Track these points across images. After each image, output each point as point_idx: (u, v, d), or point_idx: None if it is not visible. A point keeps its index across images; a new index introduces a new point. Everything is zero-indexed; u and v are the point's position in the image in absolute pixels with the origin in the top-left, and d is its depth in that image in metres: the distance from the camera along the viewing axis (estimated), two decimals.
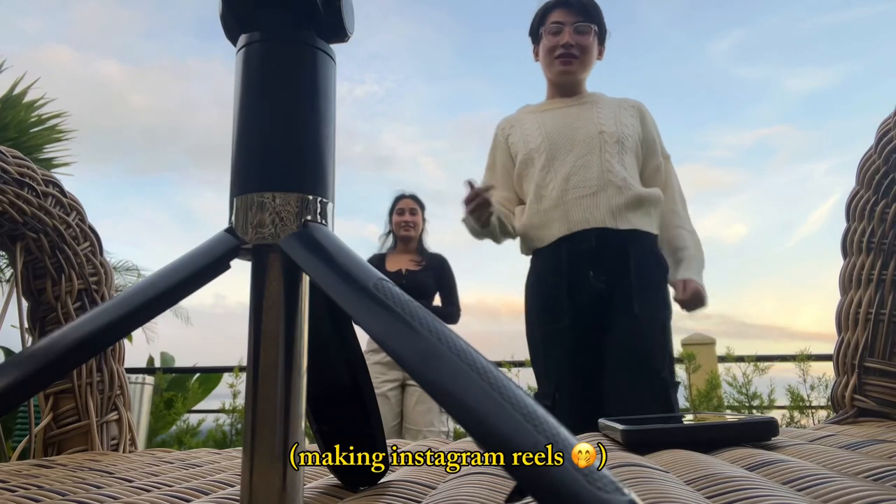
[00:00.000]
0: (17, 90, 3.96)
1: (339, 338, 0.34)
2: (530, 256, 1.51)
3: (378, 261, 2.67)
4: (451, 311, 2.62)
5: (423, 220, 2.77)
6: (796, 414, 3.86)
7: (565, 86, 1.54)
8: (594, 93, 1.56)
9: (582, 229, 1.38)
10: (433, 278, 2.61)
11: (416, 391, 2.47)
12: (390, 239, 2.76)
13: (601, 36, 1.54)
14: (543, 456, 0.17)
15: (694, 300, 1.41)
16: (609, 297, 1.37)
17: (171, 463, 0.53)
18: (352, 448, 0.36)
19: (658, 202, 1.45)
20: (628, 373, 1.32)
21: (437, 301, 2.65)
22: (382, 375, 2.45)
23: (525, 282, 1.51)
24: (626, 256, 1.37)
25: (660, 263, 1.43)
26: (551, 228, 1.41)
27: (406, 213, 2.71)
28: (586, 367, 1.38)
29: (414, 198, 2.79)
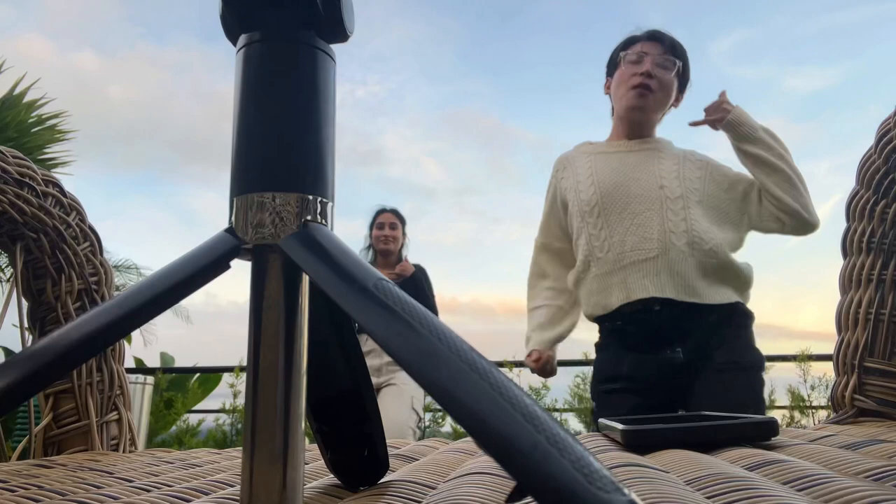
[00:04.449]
0: (18, 90, 3.96)
1: (339, 338, 0.34)
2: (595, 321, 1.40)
3: None
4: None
5: (404, 234, 2.79)
6: (796, 414, 3.86)
7: (633, 124, 1.39)
8: (661, 139, 1.41)
9: (642, 297, 1.24)
10: (410, 289, 2.62)
11: (388, 392, 2.47)
12: (370, 253, 2.77)
13: (683, 81, 1.39)
14: (543, 456, 0.17)
15: (716, 105, 1.29)
16: (684, 366, 1.23)
17: (171, 463, 0.53)
18: (351, 448, 0.36)
19: (738, 269, 1.28)
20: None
21: None
22: None
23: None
24: (704, 324, 1.23)
25: (745, 315, 1.29)
26: (610, 296, 1.29)
27: (386, 228, 2.73)
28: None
29: (394, 212, 2.80)
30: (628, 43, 1.42)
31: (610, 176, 1.34)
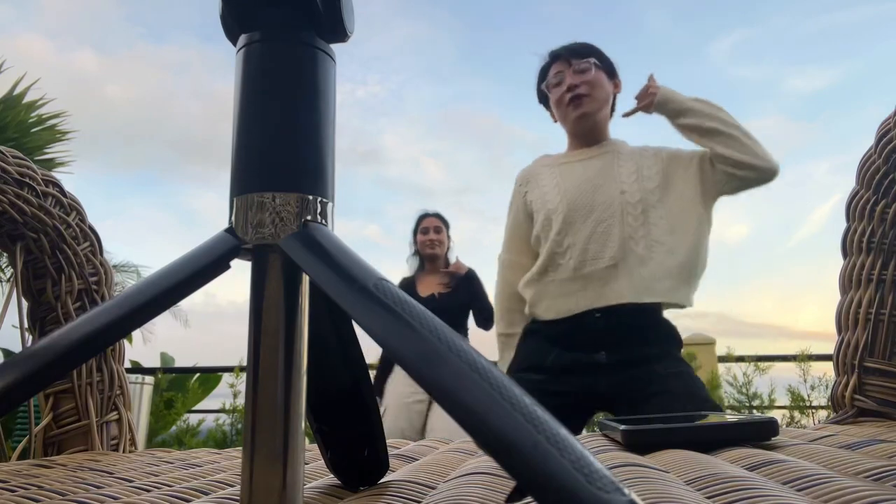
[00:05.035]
0: (17, 90, 3.97)
1: (339, 338, 0.34)
2: (530, 321, 1.41)
3: (408, 284, 2.65)
4: (483, 314, 2.59)
5: (448, 237, 2.75)
6: (796, 414, 3.87)
7: (586, 133, 1.44)
8: (615, 140, 1.45)
9: (597, 307, 1.27)
10: (467, 294, 2.59)
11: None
12: (417, 260, 2.74)
13: (608, 69, 1.43)
14: (543, 456, 0.17)
15: (643, 91, 1.37)
16: (611, 369, 1.26)
17: (171, 463, 0.53)
18: (351, 448, 0.36)
19: (692, 266, 1.31)
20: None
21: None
22: (411, 389, 2.39)
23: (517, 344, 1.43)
24: (637, 333, 1.27)
25: (674, 336, 1.33)
26: (564, 304, 1.31)
27: (430, 232, 2.70)
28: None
29: (438, 216, 2.78)
30: (543, 74, 1.49)
31: (575, 184, 1.38)
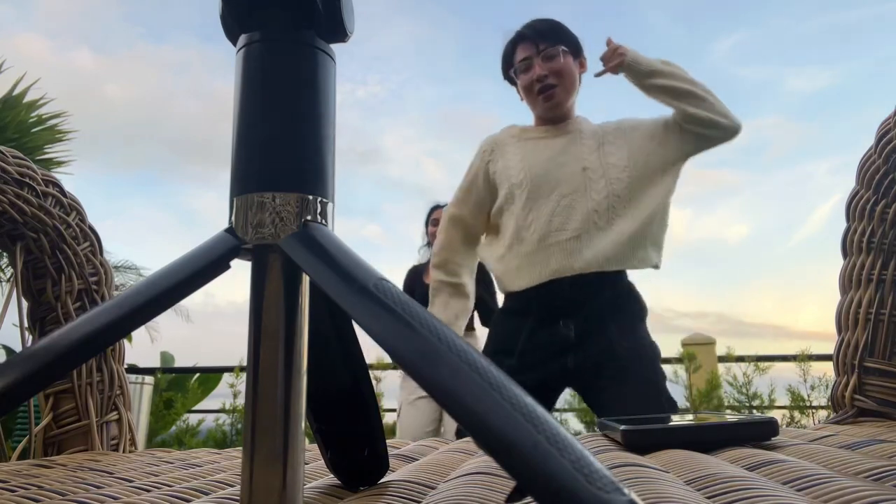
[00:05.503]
0: (17, 90, 3.97)
1: (339, 338, 0.34)
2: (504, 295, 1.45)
3: (415, 272, 2.70)
4: (489, 303, 2.60)
5: None
6: (796, 414, 3.87)
7: (555, 117, 1.46)
8: (579, 118, 1.48)
9: (560, 277, 1.30)
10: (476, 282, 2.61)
11: None
12: (428, 250, 2.79)
13: (574, 51, 1.44)
14: (543, 456, 0.17)
15: (610, 53, 1.37)
16: (579, 344, 1.30)
17: (171, 463, 0.53)
18: (351, 448, 0.36)
19: (654, 231, 1.36)
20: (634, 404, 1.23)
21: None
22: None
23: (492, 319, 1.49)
24: (603, 301, 1.30)
25: (640, 304, 1.37)
26: (530, 274, 1.34)
27: None
28: None
29: None
30: (508, 58, 1.49)
31: (538, 160, 1.40)
